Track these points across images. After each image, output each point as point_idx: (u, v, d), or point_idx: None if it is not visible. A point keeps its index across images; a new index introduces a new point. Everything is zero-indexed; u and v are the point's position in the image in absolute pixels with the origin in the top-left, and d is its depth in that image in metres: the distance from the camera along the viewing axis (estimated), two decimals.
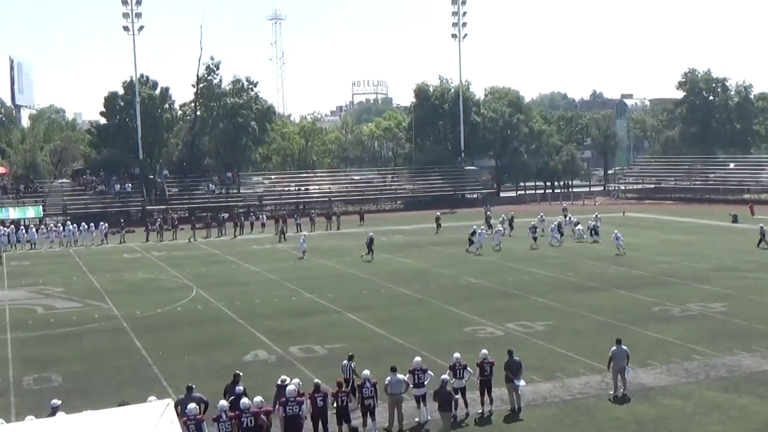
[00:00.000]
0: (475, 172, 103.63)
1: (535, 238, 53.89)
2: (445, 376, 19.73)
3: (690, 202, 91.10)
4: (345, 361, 21.67)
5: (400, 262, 48.15)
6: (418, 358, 21.02)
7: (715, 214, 74.35)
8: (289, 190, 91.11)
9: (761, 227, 52.36)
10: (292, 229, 66.68)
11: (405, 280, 41.27)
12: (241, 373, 20.51)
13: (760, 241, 51.24)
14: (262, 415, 17.71)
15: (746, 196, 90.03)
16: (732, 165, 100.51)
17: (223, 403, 17.88)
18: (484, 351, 21.51)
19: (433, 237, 61.18)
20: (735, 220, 66.96)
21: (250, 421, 17.51)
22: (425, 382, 20.31)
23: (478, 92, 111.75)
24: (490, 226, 61.50)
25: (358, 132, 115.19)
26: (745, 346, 26.63)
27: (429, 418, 20.20)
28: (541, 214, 63.50)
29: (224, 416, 17.46)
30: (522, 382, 21.04)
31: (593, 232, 56.49)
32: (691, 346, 26.68)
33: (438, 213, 69.76)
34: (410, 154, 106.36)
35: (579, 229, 56.96)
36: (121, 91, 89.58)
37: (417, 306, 34.58)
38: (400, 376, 20.10)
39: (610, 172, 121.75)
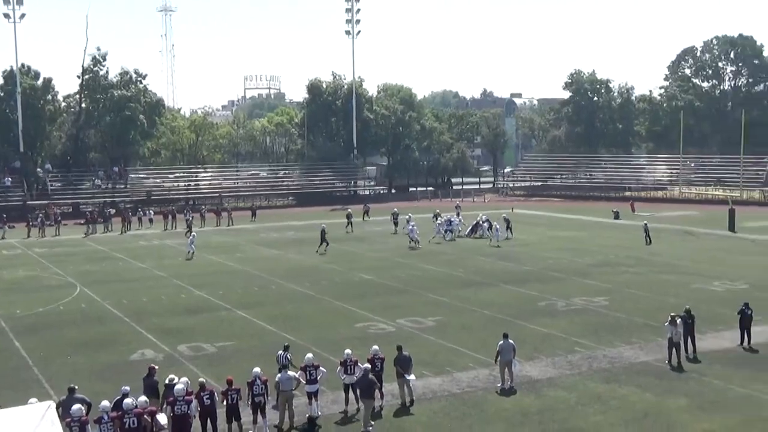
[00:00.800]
0: (368, 168, 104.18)
1: (450, 231, 55.96)
2: (366, 365, 20.19)
3: (575, 200, 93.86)
4: (280, 351, 21.71)
5: (291, 259, 47.96)
6: (309, 355, 21.03)
7: (598, 210, 76.82)
8: (178, 186, 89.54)
9: (645, 224, 54.44)
10: (182, 225, 65.63)
11: (296, 276, 41.15)
12: (156, 367, 20.40)
13: (647, 237, 53.11)
14: (145, 416, 17.36)
15: (627, 193, 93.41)
16: (604, 164, 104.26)
17: (105, 403, 17.46)
18: (375, 347, 21.70)
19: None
20: (617, 216, 69.43)
21: (133, 422, 17.13)
22: (318, 378, 20.35)
23: (371, 89, 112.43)
24: (396, 224, 61.21)
25: (250, 127, 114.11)
26: (625, 338, 27.66)
27: (320, 413, 20.23)
28: (438, 211, 64.42)
29: (106, 417, 17.03)
30: (412, 377, 21.30)
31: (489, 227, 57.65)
32: (574, 339, 27.54)
33: (349, 210, 67.39)
34: (303, 150, 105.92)
35: (484, 227, 57.66)
36: (0, 81, 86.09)
37: (308, 302, 34.53)
38: (291, 373, 20.06)
39: (499, 169, 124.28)
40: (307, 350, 24.04)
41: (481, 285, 38.27)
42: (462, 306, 33.33)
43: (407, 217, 59.98)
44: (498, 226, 54.50)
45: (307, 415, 20.10)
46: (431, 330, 29.12)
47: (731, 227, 59.84)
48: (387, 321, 30.53)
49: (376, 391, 20.13)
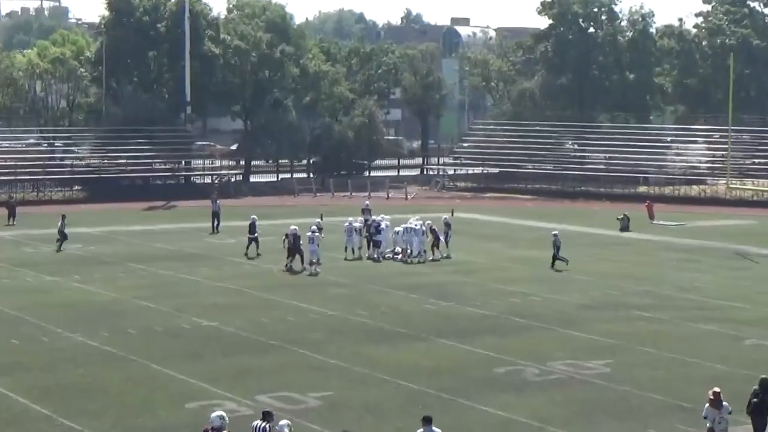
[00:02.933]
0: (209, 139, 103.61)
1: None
2: None
3: (555, 197, 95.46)
4: (258, 422, 22.84)
5: (76, 291, 47.44)
6: (284, 422, 22.39)
7: (594, 216, 78.08)
8: None
9: (555, 236, 55.47)
10: None
11: (85, 321, 40.64)
12: None
13: (554, 258, 54.51)
14: None
15: (642, 189, 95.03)
16: (604, 139, 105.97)
17: None
18: (283, 422, 22.30)
19: (133, 249, 60.60)
20: (625, 226, 70.57)
21: None
22: None
23: (218, 6, 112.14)
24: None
25: (8, 64, 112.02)
26: (637, 427, 28.06)
27: None
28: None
29: None
30: None
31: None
32: (554, 429, 27.82)
33: (320, 221, 61.93)
34: (99, 107, 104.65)
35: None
36: None
37: (105, 366, 34.11)
38: None
39: (432, 144, 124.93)
40: None
41: (398, 338, 38.39)
42: (366, 373, 33.32)
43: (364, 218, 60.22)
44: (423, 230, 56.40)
45: None
46: (315, 414, 28.98)
47: None
48: (240, 398, 30.27)
49: None
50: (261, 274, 52.01)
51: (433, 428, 22.82)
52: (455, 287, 48.99)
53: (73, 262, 55.48)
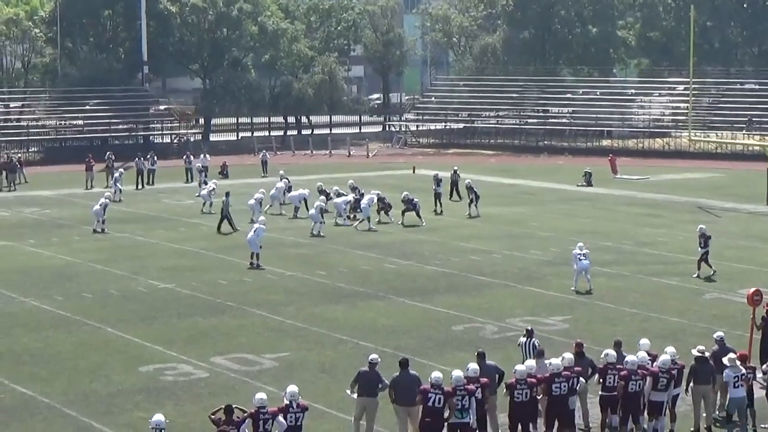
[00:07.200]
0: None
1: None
2: None
3: (520, 152, 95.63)
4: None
5: (31, 255, 47.29)
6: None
7: (558, 171, 78.25)
8: None
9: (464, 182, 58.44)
10: None
11: (39, 285, 40.62)
12: None
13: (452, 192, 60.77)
14: None
15: (606, 142, 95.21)
16: (568, 93, 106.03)
17: None
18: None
19: (90, 212, 60.34)
20: (589, 181, 70.82)
21: None
22: None
23: None
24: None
25: None
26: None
27: None
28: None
29: None
30: None
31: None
32: None
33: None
34: (55, 67, 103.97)
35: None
36: None
37: (58, 330, 34.07)
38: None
39: (393, 101, 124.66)
40: (54, 411, 23.55)
41: (356, 297, 38.61)
42: (323, 334, 33.50)
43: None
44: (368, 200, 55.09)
45: None
46: (270, 375, 29.05)
47: None
48: (195, 360, 30.39)
49: None
50: (218, 236, 51.84)
51: (488, 361, 24.74)
52: (416, 246, 49.10)
53: (29, 226, 55.30)
